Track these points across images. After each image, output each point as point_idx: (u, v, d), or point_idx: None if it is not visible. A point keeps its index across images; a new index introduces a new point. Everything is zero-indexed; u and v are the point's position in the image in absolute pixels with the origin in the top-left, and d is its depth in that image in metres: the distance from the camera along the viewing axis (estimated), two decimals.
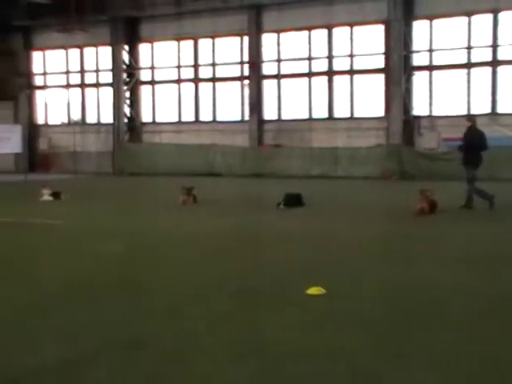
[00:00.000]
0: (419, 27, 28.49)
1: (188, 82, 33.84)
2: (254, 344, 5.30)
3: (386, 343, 5.30)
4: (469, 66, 27.72)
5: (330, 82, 30.42)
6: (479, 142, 15.18)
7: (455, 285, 7.43)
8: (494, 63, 27.22)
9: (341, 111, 30.41)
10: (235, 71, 32.60)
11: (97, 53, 35.91)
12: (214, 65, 33.05)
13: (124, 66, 34.77)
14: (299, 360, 4.90)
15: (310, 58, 30.78)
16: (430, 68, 28.57)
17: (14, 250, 10.31)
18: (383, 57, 29.11)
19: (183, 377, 4.60)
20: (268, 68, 31.76)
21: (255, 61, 31.32)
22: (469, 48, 27.62)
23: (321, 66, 30.63)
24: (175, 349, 5.21)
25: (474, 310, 6.31)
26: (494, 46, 27.09)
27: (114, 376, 4.64)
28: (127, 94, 34.98)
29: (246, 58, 31.91)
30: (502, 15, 26.74)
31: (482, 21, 27.20)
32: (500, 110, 27.30)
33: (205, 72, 33.42)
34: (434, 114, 28.56)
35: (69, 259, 9.37)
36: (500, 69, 27.24)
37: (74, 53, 36.48)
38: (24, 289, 7.48)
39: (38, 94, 38.16)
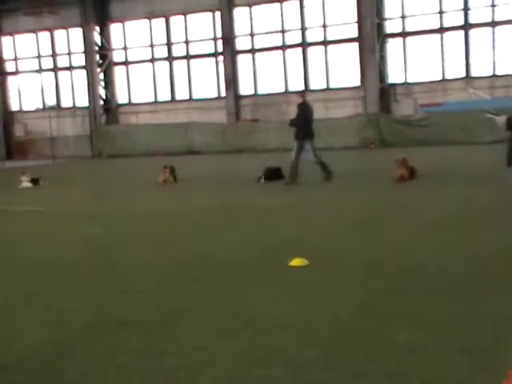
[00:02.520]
0: None
1: (162, 61, 33.58)
2: (240, 317, 5.37)
3: (368, 309, 5.40)
4: (441, 30, 27.79)
5: (305, 53, 30.36)
6: (312, 116, 15.43)
7: (434, 249, 7.55)
8: (466, 27, 27.32)
9: (317, 83, 30.39)
10: (209, 48, 32.39)
11: (68, 35, 35.44)
12: (187, 42, 32.80)
13: (96, 48, 34.39)
14: (285, 330, 4.98)
15: (283, 31, 30.65)
16: (404, 35, 28.59)
17: None
18: (356, 25, 29.06)
19: (173, 351, 4.67)
20: (242, 43, 31.59)
21: (228, 36, 31.13)
22: (441, 13, 27.65)
23: (294, 38, 30.53)
24: (162, 326, 5.27)
25: (450, 272, 6.43)
26: (466, 10, 27.15)
27: (103, 355, 4.69)
28: (101, 76, 34.66)
29: (219, 33, 31.70)
30: None
31: None
32: (474, 73, 27.46)
33: (178, 50, 33.18)
34: (409, 80, 28.66)
35: (52, 245, 9.36)
36: (472, 32, 27.34)
37: (45, 36, 35.98)
38: (8, 277, 7.48)
39: (11, 79, 37.67)
